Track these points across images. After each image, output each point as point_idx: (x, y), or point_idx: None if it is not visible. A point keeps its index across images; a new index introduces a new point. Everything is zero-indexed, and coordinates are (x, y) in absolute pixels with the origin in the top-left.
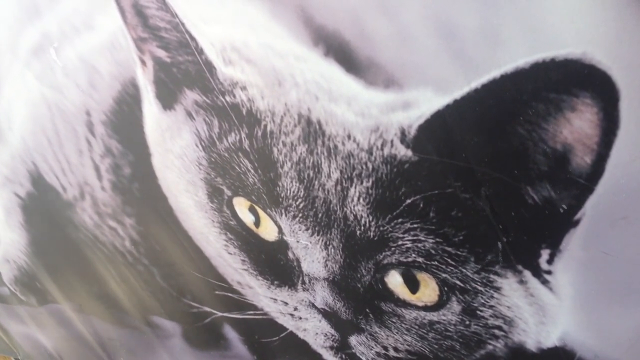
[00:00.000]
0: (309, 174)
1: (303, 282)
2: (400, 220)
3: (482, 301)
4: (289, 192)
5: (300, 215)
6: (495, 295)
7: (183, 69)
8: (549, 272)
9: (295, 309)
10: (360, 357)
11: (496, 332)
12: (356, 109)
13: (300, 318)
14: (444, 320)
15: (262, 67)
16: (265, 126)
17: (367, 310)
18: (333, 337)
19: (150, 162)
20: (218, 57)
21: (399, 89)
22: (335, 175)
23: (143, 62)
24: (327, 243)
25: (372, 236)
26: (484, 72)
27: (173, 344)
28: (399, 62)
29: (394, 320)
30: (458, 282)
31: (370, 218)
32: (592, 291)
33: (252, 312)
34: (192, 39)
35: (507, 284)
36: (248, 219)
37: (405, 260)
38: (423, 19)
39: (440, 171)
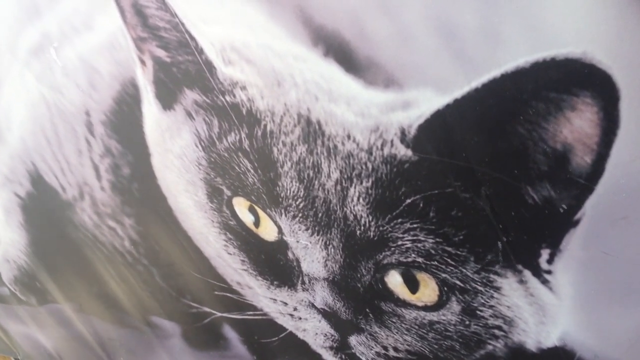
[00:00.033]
0: (308, 174)
1: (303, 282)
2: (400, 220)
3: (482, 301)
4: (288, 192)
5: (300, 215)
6: (495, 295)
7: (183, 69)
8: (549, 272)
9: (295, 309)
10: (360, 357)
11: (496, 332)
12: (356, 109)
13: (300, 318)
14: (443, 320)
15: (262, 67)
16: (265, 126)
17: (367, 310)
18: (333, 337)
19: (149, 162)
20: (218, 57)
21: (398, 89)
22: (335, 175)
23: (143, 62)
24: (327, 243)
25: (372, 236)
26: (484, 71)
27: (172, 344)
28: (399, 62)
29: (393, 320)
30: (458, 282)
31: (370, 218)
32: (592, 291)
33: (251, 312)
34: (192, 38)
35: (507, 283)
36: (248, 219)
37: (405, 260)
38: (423, 18)
39: (440, 171)
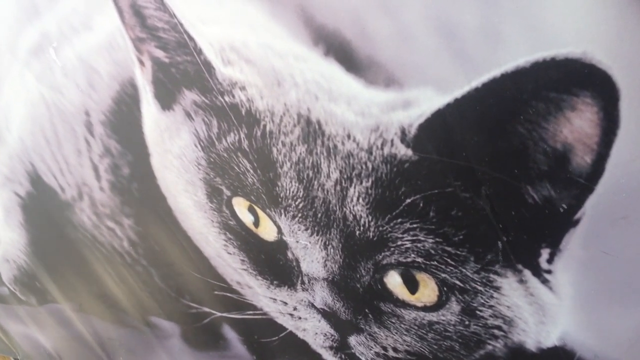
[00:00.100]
0: (308, 174)
1: (302, 282)
2: (399, 220)
3: (482, 301)
4: (288, 192)
5: (299, 215)
6: (495, 295)
7: (182, 69)
8: (549, 272)
9: (295, 308)
10: (360, 357)
11: (496, 332)
12: (356, 108)
13: (300, 318)
14: (443, 320)
15: (262, 67)
16: (265, 126)
17: (367, 310)
18: (332, 337)
19: (149, 162)
20: (217, 57)
21: (399, 88)
22: (335, 175)
23: (141, 62)
24: (327, 243)
25: (371, 236)
26: (484, 71)
27: (172, 344)
28: (399, 61)
29: (393, 321)
30: (457, 282)
31: (370, 218)
32: (592, 291)
33: (251, 312)
34: (191, 39)
35: (507, 283)
36: (247, 219)
37: (404, 260)
38: (424, 18)
39: (440, 170)
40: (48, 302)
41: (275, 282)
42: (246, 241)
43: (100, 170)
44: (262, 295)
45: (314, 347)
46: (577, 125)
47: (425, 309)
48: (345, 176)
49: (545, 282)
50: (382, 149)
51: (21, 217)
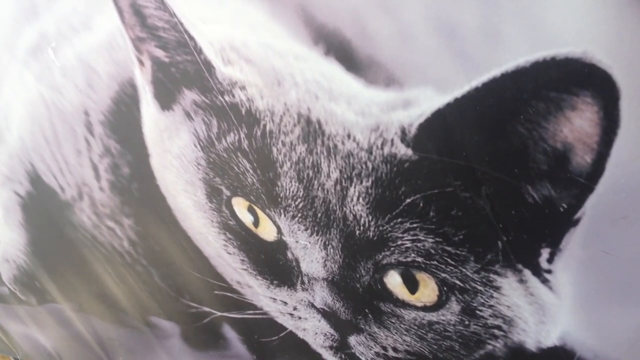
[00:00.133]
0: (308, 173)
1: (302, 282)
2: (399, 219)
3: (482, 301)
4: (288, 192)
5: (299, 215)
6: (495, 294)
7: (181, 69)
8: (549, 271)
9: (295, 308)
10: (360, 357)
11: (496, 331)
12: (356, 108)
13: (300, 318)
14: (443, 320)
15: (262, 66)
16: (265, 126)
17: (366, 310)
18: (332, 337)
19: (148, 162)
20: (217, 57)
21: (399, 88)
22: (335, 174)
23: (141, 62)
24: (326, 243)
25: (371, 236)
26: (484, 70)
27: (172, 344)
28: (399, 61)
29: (393, 321)
30: (457, 282)
31: (370, 218)
32: (592, 290)
33: (251, 311)
34: (191, 38)
35: (507, 283)
36: (247, 219)
37: (404, 260)
38: (424, 18)
39: (440, 170)
40: (48, 302)
41: (275, 282)
42: (246, 241)
43: (100, 170)
44: (262, 295)
45: (314, 346)
46: (577, 124)
47: (425, 308)
48: (345, 176)
49: (545, 281)
50: (382, 148)
51: (21, 217)
